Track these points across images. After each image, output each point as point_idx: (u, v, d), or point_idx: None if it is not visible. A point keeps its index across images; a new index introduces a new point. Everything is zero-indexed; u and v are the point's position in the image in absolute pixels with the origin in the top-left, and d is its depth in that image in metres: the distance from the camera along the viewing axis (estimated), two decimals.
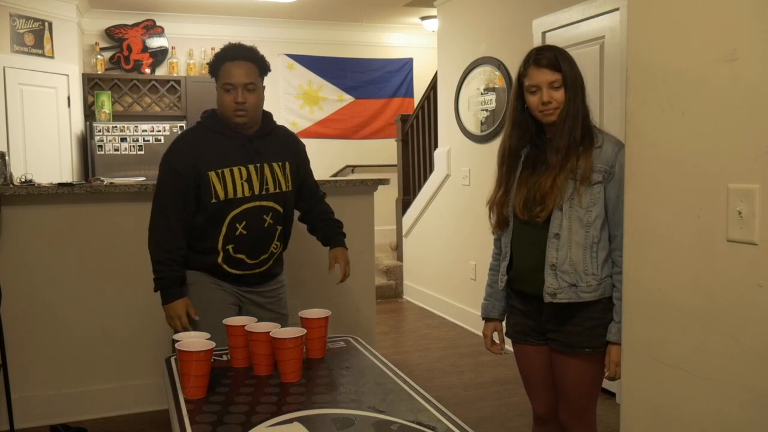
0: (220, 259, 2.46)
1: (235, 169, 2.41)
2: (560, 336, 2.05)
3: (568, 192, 1.96)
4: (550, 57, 1.98)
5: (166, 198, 2.42)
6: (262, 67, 2.46)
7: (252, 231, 2.45)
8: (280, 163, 2.52)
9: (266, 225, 2.48)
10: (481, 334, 4.79)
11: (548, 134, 2.04)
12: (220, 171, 2.39)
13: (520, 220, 2.05)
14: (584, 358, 2.04)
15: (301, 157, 2.67)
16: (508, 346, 2.29)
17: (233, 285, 2.52)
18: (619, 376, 1.98)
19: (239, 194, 2.41)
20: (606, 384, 3.60)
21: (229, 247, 2.45)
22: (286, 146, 2.60)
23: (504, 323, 2.26)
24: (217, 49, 2.48)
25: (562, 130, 1.97)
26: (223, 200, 2.39)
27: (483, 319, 2.29)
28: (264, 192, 2.46)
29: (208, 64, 2.52)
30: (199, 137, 2.46)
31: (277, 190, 2.50)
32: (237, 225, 2.42)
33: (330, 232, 2.76)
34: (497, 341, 2.27)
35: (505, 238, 2.12)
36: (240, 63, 2.39)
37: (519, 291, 2.13)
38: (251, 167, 2.44)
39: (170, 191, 2.42)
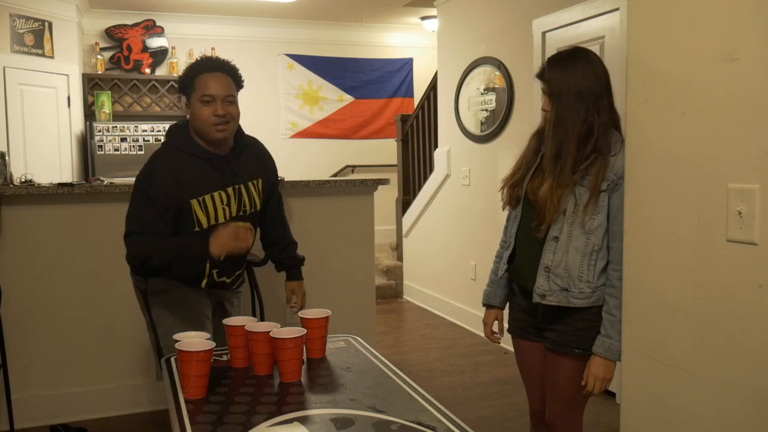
0: (204, 284, 2.43)
1: (216, 195, 2.34)
2: (553, 335, 2.06)
3: (575, 199, 1.95)
4: (544, 67, 2.03)
5: (144, 218, 2.27)
6: (237, 81, 2.38)
7: (232, 254, 2.37)
8: (254, 182, 2.47)
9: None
10: (481, 334, 4.81)
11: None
12: (201, 198, 2.32)
13: (531, 205, 2.04)
14: (574, 359, 2.03)
15: (273, 173, 2.62)
16: (506, 342, 2.29)
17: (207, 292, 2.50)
18: (596, 392, 1.99)
19: (221, 219, 2.35)
20: None
21: (214, 272, 2.43)
22: (260, 162, 2.54)
23: (505, 314, 2.27)
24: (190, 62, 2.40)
25: (549, 138, 1.99)
26: (206, 228, 2.32)
27: (484, 305, 2.28)
28: (241, 213, 2.42)
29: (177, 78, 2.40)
30: (177, 162, 2.32)
31: (253, 210, 2.47)
32: None
33: (289, 262, 2.72)
34: (496, 330, 2.27)
35: (511, 228, 2.14)
36: (218, 75, 2.30)
37: (519, 285, 2.15)
38: (230, 190, 2.37)
39: (149, 214, 2.27)
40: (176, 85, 7.03)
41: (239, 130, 2.47)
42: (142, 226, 2.28)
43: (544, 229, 1.98)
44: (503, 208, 2.18)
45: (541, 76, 2.03)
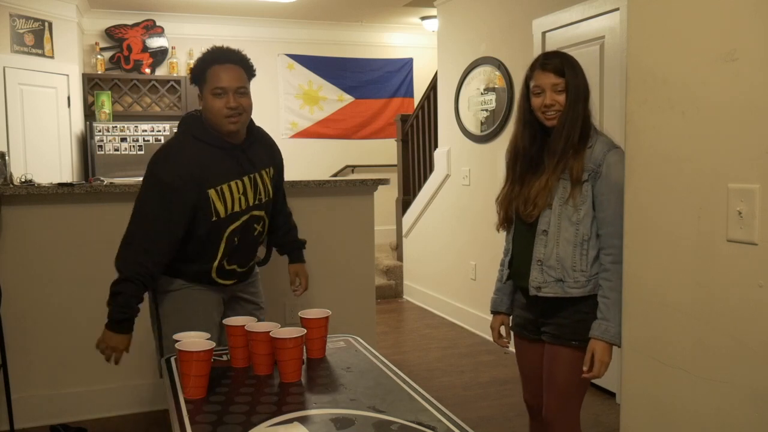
0: (213, 273, 2.41)
1: (233, 184, 2.33)
2: (551, 328, 2.10)
3: (560, 191, 2.03)
4: (555, 63, 2.06)
5: (151, 218, 2.25)
6: (249, 71, 2.36)
7: (245, 242, 2.43)
8: (267, 170, 2.47)
9: (256, 233, 2.47)
10: (480, 334, 4.83)
11: (551, 137, 2.09)
12: (219, 188, 2.30)
13: (520, 219, 2.13)
14: (571, 351, 2.06)
15: (281, 162, 2.63)
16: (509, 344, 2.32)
17: (218, 288, 2.49)
18: (600, 375, 2.02)
19: (237, 208, 2.34)
20: (606, 384, 3.61)
21: (224, 260, 2.41)
22: (270, 151, 2.55)
23: (511, 317, 2.31)
24: (200, 54, 2.36)
25: (561, 134, 2.04)
26: (223, 217, 2.32)
27: (491, 312, 2.33)
28: (257, 202, 2.41)
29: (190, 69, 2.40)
30: (195, 151, 2.30)
31: (266, 199, 2.46)
32: (235, 239, 2.38)
33: (292, 245, 2.77)
34: (504, 335, 2.31)
35: (509, 234, 2.23)
36: (229, 66, 2.28)
37: (518, 285, 2.20)
38: (246, 179, 2.36)
39: (159, 210, 2.24)
40: (176, 86, 7.05)
41: (250, 120, 2.45)
42: (142, 232, 2.25)
43: (536, 214, 2.05)
44: (497, 230, 2.26)
45: (555, 69, 2.05)
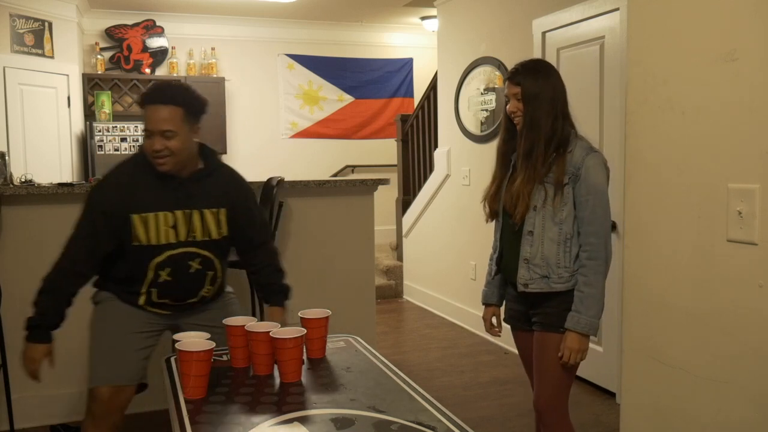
0: (142, 301, 2.35)
1: (161, 215, 2.26)
2: (540, 317, 2.20)
3: (542, 195, 2.13)
4: (516, 74, 2.18)
5: (77, 237, 2.32)
6: (190, 109, 2.25)
7: (177, 277, 2.32)
8: (214, 210, 2.34)
9: (192, 270, 2.33)
10: (480, 334, 4.83)
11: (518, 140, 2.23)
12: (144, 215, 2.24)
13: (508, 219, 2.23)
14: (559, 337, 2.14)
15: (242, 205, 2.44)
16: (506, 342, 2.33)
17: (153, 314, 2.40)
18: (573, 362, 2.11)
19: (162, 240, 2.26)
20: (606, 384, 3.62)
21: (153, 290, 2.33)
22: (225, 192, 2.39)
23: (502, 309, 2.41)
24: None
25: (522, 137, 2.16)
26: (145, 245, 2.26)
27: (483, 304, 2.44)
28: (190, 239, 2.30)
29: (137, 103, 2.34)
30: (130, 175, 2.29)
31: (206, 238, 2.33)
32: (160, 272, 2.29)
33: (271, 288, 2.53)
34: (495, 324, 2.42)
35: (497, 232, 2.34)
36: (158, 108, 2.20)
37: (508, 280, 2.30)
38: (179, 213, 2.27)
39: (85, 230, 2.30)
40: None
41: (212, 156, 2.41)
42: (68, 248, 2.35)
43: (519, 220, 2.16)
44: (486, 221, 2.38)
45: (514, 79, 2.16)
